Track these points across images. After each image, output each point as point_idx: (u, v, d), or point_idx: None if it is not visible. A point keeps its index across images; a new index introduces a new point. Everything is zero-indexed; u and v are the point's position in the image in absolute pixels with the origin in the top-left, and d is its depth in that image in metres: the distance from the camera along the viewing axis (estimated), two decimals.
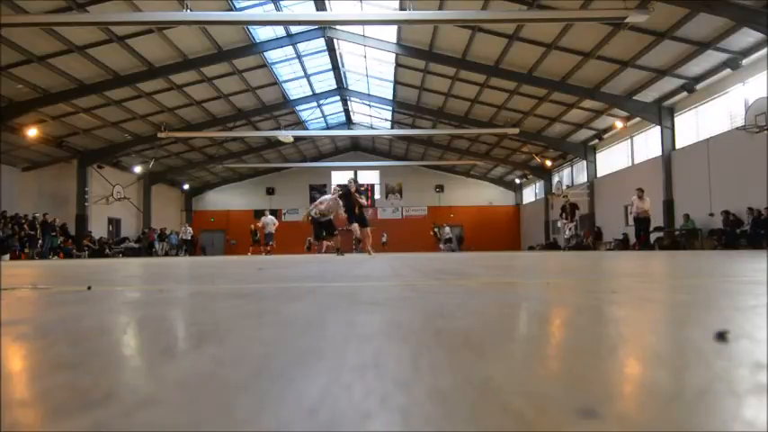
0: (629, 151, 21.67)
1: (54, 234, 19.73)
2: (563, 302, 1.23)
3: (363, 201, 11.56)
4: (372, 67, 22.04)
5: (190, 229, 26.32)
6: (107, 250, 22.26)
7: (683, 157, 17.46)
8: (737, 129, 14.19)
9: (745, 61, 14.37)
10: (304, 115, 26.98)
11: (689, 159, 17.09)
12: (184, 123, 22.90)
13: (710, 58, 14.79)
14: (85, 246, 21.56)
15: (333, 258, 6.23)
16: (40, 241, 18.85)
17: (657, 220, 18.57)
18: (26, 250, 18.37)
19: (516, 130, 22.61)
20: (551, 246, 27.95)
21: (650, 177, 19.00)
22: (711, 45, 14.05)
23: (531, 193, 33.43)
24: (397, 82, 22.61)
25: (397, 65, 20.84)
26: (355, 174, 35.68)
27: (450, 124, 25.09)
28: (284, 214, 35.26)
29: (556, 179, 27.69)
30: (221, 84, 20.20)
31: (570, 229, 17.06)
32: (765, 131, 12.68)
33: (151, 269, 3.83)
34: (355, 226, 11.18)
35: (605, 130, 21.90)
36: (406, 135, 28.93)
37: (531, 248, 29.95)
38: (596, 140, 23.20)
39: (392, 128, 28.93)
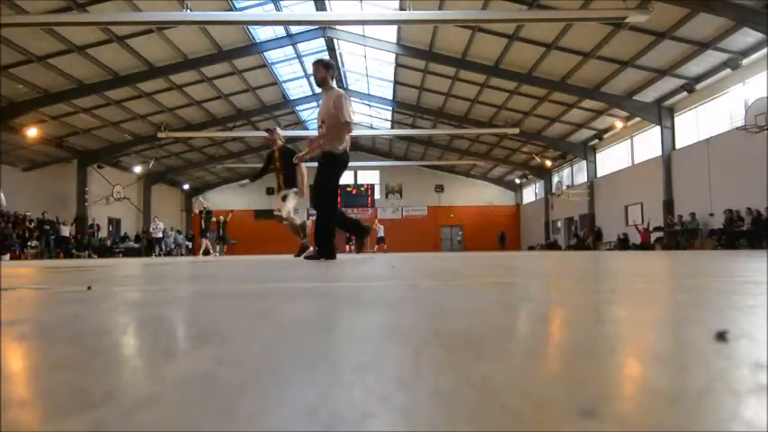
0: (629, 151, 21.67)
1: (53, 234, 19.73)
2: (563, 302, 1.23)
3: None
4: (372, 67, 22.05)
5: (161, 225, 22.09)
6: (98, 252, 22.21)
7: (683, 157, 17.46)
8: (737, 129, 14.20)
9: (745, 61, 14.37)
10: (304, 115, 26.97)
11: (689, 159, 17.09)
12: (184, 123, 22.89)
13: (710, 58, 14.80)
14: (86, 245, 21.55)
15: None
16: (35, 242, 18.85)
17: (657, 219, 18.58)
18: (26, 250, 18.36)
19: (516, 130, 22.62)
20: (551, 246, 27.94)
21: (650, 177, 19.00)
22: (711, 45, 14.06)
23: (531, 193, 33.42)
24: (397, 82, 22.61)
25: (397, 65, 20.85)
26: (355, 174, 35.71)
27: (450, 124, 25.09)
28: None
29: (556, 179, 27.69)
30: (221, 84, 20.20)
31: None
32: (765, 131, 12.68)
33: (150, 269, 3.84)
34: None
35: (605, 130, 21.91)
36: (406, 135, 28.91)
37: (531, 248, 29.97)
38: (596, 140, 23.20)
39: (392, 128, 28.92)
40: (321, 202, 5.58)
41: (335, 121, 5.42)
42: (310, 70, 22.67)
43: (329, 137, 5.48)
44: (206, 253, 17.43)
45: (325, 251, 5.54)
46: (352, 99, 26.53)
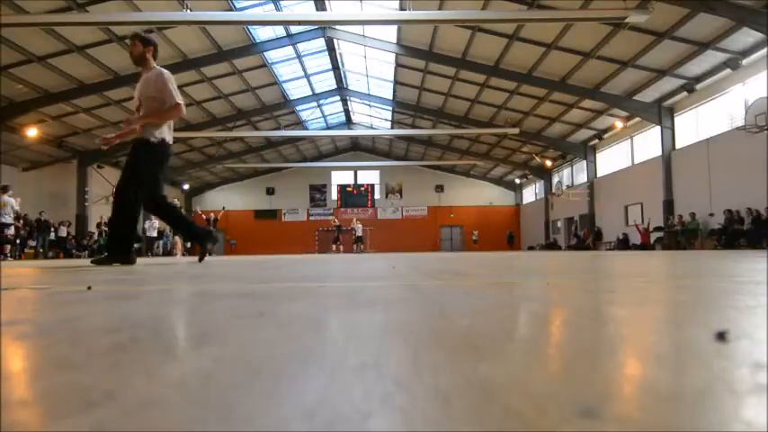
0: (629, 151, 21.67)
1: (53, 234, 19.72)
2: (563, 302, 1.23)
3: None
4: (372, 67, 22.04)
5: (156, 223, 20.45)
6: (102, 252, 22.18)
7: (683, 157, 17.46)
8: (737, 129, 14.19)
9: (745, 61, 14.37)
10: (304, 115, 26.96)
11: (689, 159, 17.09)
12: (184, 123, 22.88)
13: (710, 58, 14.79)
14: (86, 245, 21.56)
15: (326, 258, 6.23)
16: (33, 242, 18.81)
17: (657, 219, 18.58)
18: (26, 250, 18.34)
19: (516, 130, 22.61)
20: (551, 246, 27.94)
21: (650, 177, 19.01)
22: (711, 45, 14.05)
23: (531, 193, 33.42)
24: (397, 82, 22.61)
25: (397, 65, 20.84)
26: (355, 174, 35.69)
27: (450, 124, 25.09)
28: (284, 214, 35.23)
29: (556, 179, 27.69)
30: (221, 84, 20.20)
31: None
32: (765, 131, 12.67)
33: (148, 269, 3.84)
34: None
35: (605, 130, 21.90)
36: (406, 135, 28.91)
37: (530, 248, 29.97)
38: (596, 140, 23.20)
39: (392, 128, 28.91)
40: (122, 197, 4.71)
41: (157, 104, 4.74)
42: (310, 70, 22.36)
43: (151, 120, 4.74)
44: (175, 253, 17.37)
45: (120, 252, 4.66)
46: (352, 99, 26.58)
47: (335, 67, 22.73)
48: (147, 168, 4.77)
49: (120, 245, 4.70)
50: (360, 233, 25.32)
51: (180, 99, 4.80)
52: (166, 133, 4.87)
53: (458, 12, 14.16)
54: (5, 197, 13.66)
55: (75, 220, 22.26)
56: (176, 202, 17.53)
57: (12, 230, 14.73)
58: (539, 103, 20.38)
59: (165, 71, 4.87)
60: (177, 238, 17.64)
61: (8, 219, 13.93)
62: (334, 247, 25.18)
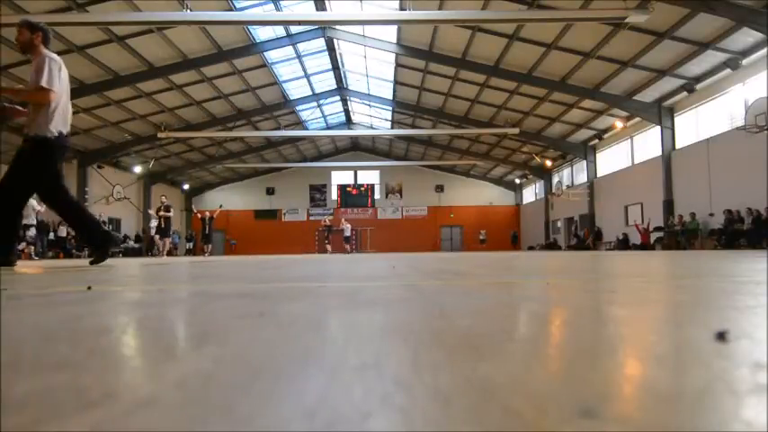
0: (629, 151, 21.66)
1: (52, 234, 19.72)
2: (563, 302, 1.23)
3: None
4: (372, 67, 22.03)
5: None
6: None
7: (683, 157, 17.46)
8: (737, 129, 14.19)
9: (745, 61, 14.37)
10: (304, 115, 26.95)
11: (689, 159, 17.09)
12: (184, 123, 22.88)
13: (710, 58, 14.79)
14: (86, 246, 21.55)
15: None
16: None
17: (657, 219, 18.58)
18: (25, 250, 18.34)
19: (516, 130, 22.61)
20: (551, 246, 27.94)
21: (650, 177, 19.01)
22: (711, 45, 14.05)
23: (531, 193, 33.42)
24: (397, 82, 22.60)
25: (397, 65, 20.84)
26: (355, 174, 35.68)
27: (450, 124, 25.08)
28: (284, 214, 35.23)
29: (556, 179, 27.68)
30: (221, 84, 20.19)
31: None
32: (765, 131, 12.67)
33: (148, 269, 3.84)
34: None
35: (605, 130, 21.90)
36: (406, 135, 28.91)
37: (530, 248, 29.97)
38: (596, 140, 23.19)
39: (392, 128, 28.91)
40: (6, 195, 4.30)
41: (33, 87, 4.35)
42: (310, 70, 22.19)
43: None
44: (168, 253, 17.30)
45: (99, 249, 4.55)
46: (352, 99, 26.57)
47: (335, 67, 22.73)
48: (43, 169, 4.41)
49: (96, 242, 4.67)
50: (348, 233, 25.19)
51: (49, 85, 4.34)
52: (61, 125, 4.47)
53: (458, 12, 14.16)
54: None
55: None
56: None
57: (32, 231, 14.98)
58: (539, 103, 20.38)
59: (51, 56, 4.51)
60: (157, 237, 17.59)
61: (29, 220, 14.34)
62: (329, 248, 25.26)
